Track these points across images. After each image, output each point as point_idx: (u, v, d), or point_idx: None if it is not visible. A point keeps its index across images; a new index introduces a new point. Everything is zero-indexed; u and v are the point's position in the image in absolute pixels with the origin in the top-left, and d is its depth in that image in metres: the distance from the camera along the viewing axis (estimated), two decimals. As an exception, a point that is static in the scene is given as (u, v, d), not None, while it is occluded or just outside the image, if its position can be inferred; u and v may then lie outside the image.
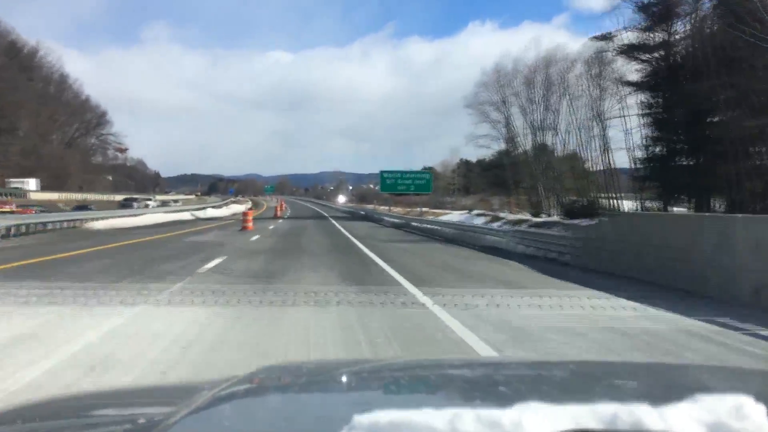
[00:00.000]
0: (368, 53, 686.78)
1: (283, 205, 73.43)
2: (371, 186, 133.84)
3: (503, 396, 1.11)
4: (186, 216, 37.89)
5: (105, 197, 63.38)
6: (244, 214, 24.32)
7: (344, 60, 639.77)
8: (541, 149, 35.58)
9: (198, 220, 35.86)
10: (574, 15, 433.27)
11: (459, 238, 19.83)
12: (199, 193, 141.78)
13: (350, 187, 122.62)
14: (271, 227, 27.02)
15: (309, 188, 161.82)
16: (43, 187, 60.51)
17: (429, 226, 24.93)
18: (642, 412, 0.66)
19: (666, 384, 1.30)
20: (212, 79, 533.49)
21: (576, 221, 19.42)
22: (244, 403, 1.12)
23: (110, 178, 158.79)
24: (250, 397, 1.18)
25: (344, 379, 1.38)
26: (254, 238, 19.17)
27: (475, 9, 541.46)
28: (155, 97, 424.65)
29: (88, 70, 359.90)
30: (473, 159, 75.57)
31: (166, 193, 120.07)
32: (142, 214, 31.49)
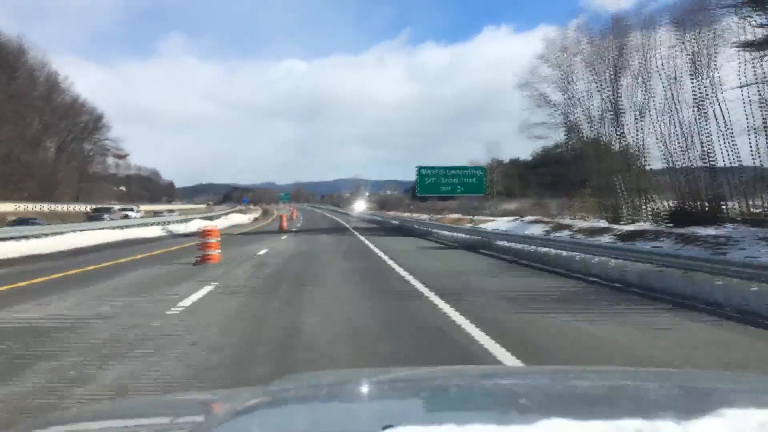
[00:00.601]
0: (383, 60, 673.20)
1: (294, 214, 61.37)
2: (388, 192, 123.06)
3: (525, 410, 1.06)
4: (155, 232, 26.85)
5: (86, 207, 53.16)
6: (204, 233, 12.67)
7: (359, 67, 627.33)
8: (613, 138, 25.58)
9: (166, 238, 24.81)
10: (590, 17, 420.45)
11: (690, 287, 8.30)
12: (211, 203, 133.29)
13: (367, 193, 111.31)
14: (261, 252, 15.75)
15: (325, 195, 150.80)
16: (29, 197, 51.23)
17: (543, 249, 13.31)
18: (666, 428, 0.63)
19: (689, 395, 1.25)
20: (227, 89, 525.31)
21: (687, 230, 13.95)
22: (266, 417, 1.08)
23: (124, 188, 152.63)
24: (272, 410, 1.14)
25: (365, 390, 1.34)
26: (193, 298, 7.78)
27: (491, 13, 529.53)
28: (172, 108, 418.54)
29: (105, 82, 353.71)
30: (503, 159, 65.03)
31: (169, 202, 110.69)
32: (71, 232, 20.46)
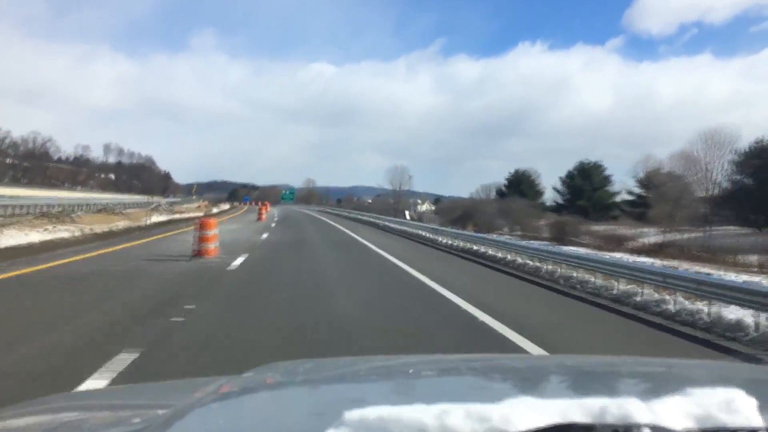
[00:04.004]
0: (414, 69, 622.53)
1: (268, 207, 31.51)
2: (420, 203, 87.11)
3: (495, 391, 1.05)
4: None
5: None
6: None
7: (388, 75, 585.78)
8: None
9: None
10: (629, 39, 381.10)
11: None
12: (198, 201, 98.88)
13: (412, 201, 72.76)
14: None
15: (342, 198, 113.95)
16: None
17: None
18: (631, 405, 0.62)
19: (659, 378, 1.23)
20: (254, 89, 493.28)
21: None
22: (238, 402, 1.05)
23: (112, 176, 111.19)
24: (245, 396, 1.10)
25: (340, 376, 1.30)
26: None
27: (528, 29, 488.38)
28: (196, 103, 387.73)
29: (133, 73, 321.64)
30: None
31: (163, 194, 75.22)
32: None
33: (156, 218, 23.76)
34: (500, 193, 47.35)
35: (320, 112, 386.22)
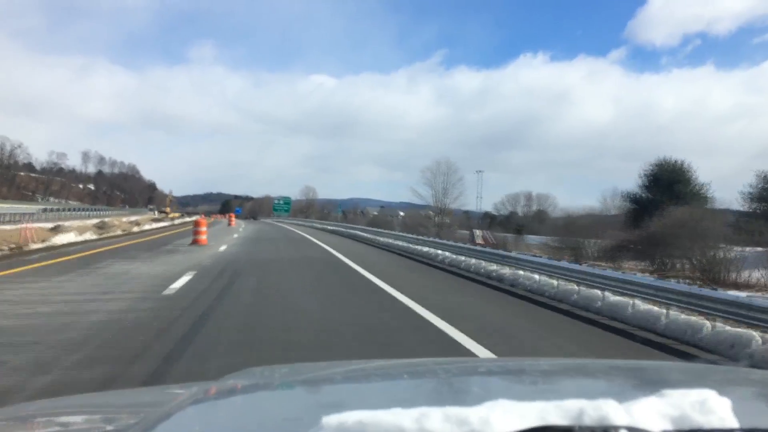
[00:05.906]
0: (414, 81, 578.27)
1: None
2: (432, 215, 71.16)
3: (475, 395, 1.04)
4: None
5: None
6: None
7: (388, 87, 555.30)
8: None
9: None
10: (632, 50, 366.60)
11: None
12: (169, 210, 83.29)
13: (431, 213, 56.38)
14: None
15: (347, 210, 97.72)
16: None
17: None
18: (608, 407, 0.63)
19: (636, 381, 1.24)
20: (252, 100, 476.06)
21: None
22: (214, 407, 1.05)
23: (92, 186, 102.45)
24: (221, 401, 1.10)
25: (316, 381, 1.29)
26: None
27: (530, 40, 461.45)
28: (194, 116, 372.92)
29: (130, 85, 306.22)
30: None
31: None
32: None
33: None
34: (633, 199, 30.80)
35: (319, 123, 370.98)
